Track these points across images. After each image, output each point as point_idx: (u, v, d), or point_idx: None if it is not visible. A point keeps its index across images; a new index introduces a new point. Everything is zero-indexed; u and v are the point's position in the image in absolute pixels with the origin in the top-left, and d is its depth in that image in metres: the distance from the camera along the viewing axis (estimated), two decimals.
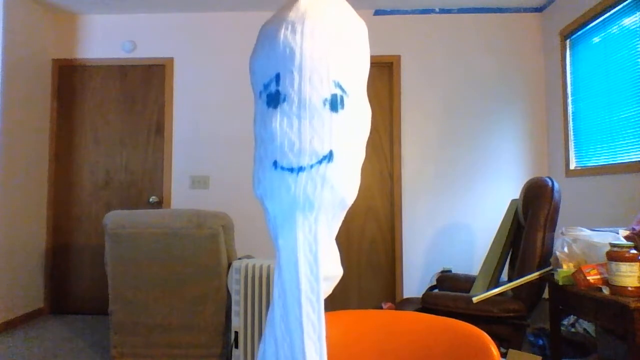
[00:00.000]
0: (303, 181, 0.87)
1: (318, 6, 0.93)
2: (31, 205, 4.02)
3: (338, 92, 0.90)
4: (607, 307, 1.82)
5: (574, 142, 3.70)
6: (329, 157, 0.88)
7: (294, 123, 0.88)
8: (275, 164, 0.88)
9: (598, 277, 1.93)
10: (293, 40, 0.89)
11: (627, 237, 2.03)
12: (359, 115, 0.95)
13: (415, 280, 4.08)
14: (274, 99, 0.90)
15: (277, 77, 0.90)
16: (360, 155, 0.95)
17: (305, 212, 0.86)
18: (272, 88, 0.91)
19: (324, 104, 0.89)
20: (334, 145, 0.88)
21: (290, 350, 0.83)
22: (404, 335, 1.24)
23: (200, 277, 2.68)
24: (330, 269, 0.90)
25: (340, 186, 0.88)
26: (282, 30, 0.90)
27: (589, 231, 2.18)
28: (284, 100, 0.89)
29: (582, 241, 2.11)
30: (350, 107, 0.92)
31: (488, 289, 2.64)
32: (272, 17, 0.97)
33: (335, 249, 0.94)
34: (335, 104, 0.90)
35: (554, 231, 2.52)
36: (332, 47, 0.90)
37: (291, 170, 0.87)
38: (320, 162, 0.87)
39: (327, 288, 0.91)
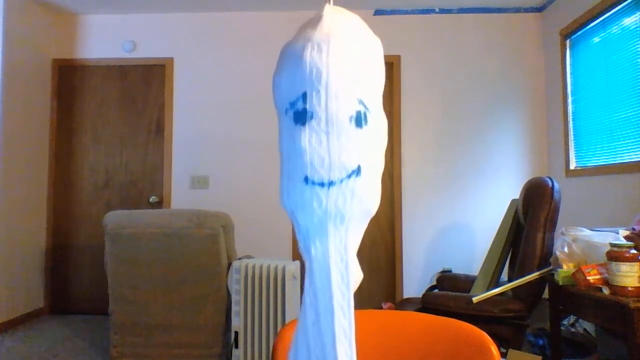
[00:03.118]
0: (334, 195, 0.91)
1: (341, 26, 0.97)
2: (31, 206, 4.01)
3: (362, 109, 0.94)
4: (607, 307, 1.82)
5: (574, 142, 3.70)
6: (358, 171, 0.92)
7: (322, 139, 0.92)
8: (306, 179, 0.92)
9: (598, 277, 1.93)
10: (319, 59, 0.92)
11: (627, 237, 2.04)
12: (379, 129, 1.00)
13: (415, 280, 4.08)
14: (302, 116, 0.93)
15: (304, 95, 0.93)
16: (381, 167, 1.01)
17: (337, 224, 0.91)
18: (299, 106, 0.94)
19: (350, 121, 0.92)
20: (360, 160, 0.93)
21: (322, 355, 0.87)
22: (404, 335, 1.24)
23: (200, 277, 2.68)
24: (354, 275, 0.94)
25: (367, 198, 0.93)
26: (308, 50, 0.93)
27: (589, 231, 2.18)
28: (312, 117, 0.92)
29: (582, 241, 2.11)
30: (372, 123, 0.96)
31: (488, 289, 2.64)
32: (295, 37, 1.01)
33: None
34: (360, 120, 0.93)
35: (554, 231, 2.52)
36: (355, 65, 0.94)
37: (322, 184, 0.91)
38: (349, 176, 0.91)
39: None
